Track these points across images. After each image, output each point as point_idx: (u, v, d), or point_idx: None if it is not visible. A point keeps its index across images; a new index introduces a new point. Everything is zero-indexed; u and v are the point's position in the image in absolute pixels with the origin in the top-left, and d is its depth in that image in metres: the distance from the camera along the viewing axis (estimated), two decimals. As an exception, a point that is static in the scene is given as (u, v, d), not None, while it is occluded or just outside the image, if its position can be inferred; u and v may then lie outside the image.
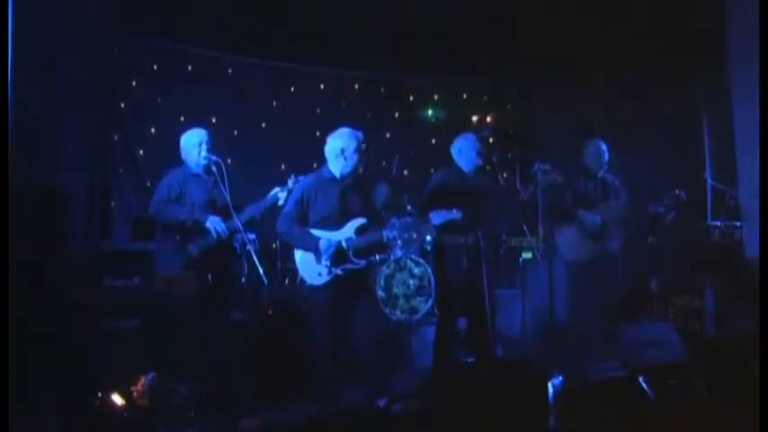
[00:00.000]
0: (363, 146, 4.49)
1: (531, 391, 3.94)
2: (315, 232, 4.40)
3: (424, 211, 4.93)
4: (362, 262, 4.40)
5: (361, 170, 4.53)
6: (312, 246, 4.37)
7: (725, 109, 6.18)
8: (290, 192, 4.56)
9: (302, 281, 4.53)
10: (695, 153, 7.05)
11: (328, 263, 4.34)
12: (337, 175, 4.47)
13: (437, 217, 4.43)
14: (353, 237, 4.39)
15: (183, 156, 4.65)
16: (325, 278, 4.37)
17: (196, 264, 4.41)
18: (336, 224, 4.41)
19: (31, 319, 3.84)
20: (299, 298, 5.38)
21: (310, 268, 4.41)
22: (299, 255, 4.48)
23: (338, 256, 4.35)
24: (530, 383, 3.97)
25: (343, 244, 4.36)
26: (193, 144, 4.61)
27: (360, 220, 4.42)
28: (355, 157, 4.44)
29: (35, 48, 4.84)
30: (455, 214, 4.42)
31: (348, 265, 4.37)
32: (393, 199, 6.80)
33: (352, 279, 4.40)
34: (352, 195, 4.49)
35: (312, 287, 4.44)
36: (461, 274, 4.99)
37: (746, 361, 4.12)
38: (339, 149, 4.45)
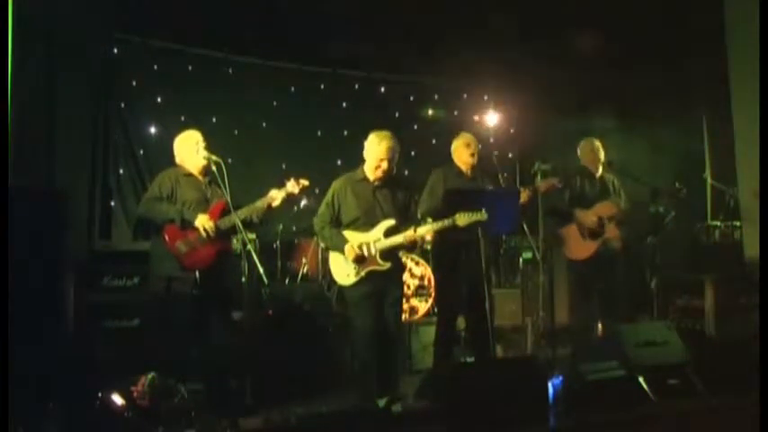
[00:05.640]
0: (398, 148, 4.52)
1: (531, 390, 3.94)
2: (347, 233, 4.45)
3: (423, 211, 4.93)
4: (387, 264, 4.41)
5: (394, 172, 4.54)
6: (339, 247, 4.42)
7: (725, 109, 6.19)
8: (288, 194, 4.55)
9: (333, 280, 4.61)
10: (695, 153, 7.06)
11: (355, 264, 4.38)
12: (370, 175, 4.50)
13: (463, 217, 4.38)
14: (382, 238, 4.41)
15: (178, 158, 4.63)
16: (352, 279, 4.41)
17: (186, 261, 4.39)
18: (367, 225, 4.44)
19: (31, 319, 3.83)
20: (291, 299, 5.41)
21: (340, 269, 4.47)
22: (332, 255, 4.54)
23: (363, 258, 4.38)
24: (530, 383, 3.97)
25: (372, 246, 4.39)
26: (190, 144, 4.59)
27: (389, 222, 4.44)
28: (384, 159, 4.43)
29: (35, 48, 4.85)
30: (481, 215, 4.36)
31: (374, 267, 4.39)
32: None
33: (381, 279, 4.42)
34: (384, 196, 4.51)
35: (342, 287, 4.52)
36: (461, 274, 4.99)
37: (746, 361, 4.12)
38: (370, 149, 4.47)
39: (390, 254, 4.44)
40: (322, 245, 4.72)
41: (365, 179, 4.52)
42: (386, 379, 4.43)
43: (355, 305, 4.44)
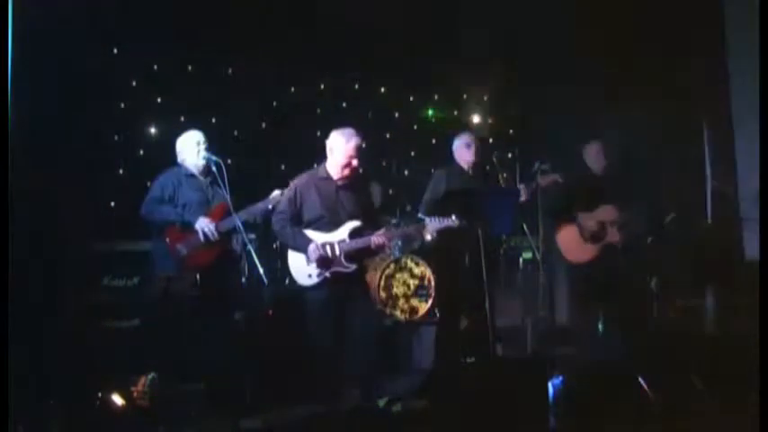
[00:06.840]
0: (363, 145, 4.38)
1: (531, 390, 3.94)
2: (309, 233, 4.31)
3: (425, 212, 4.92)
4: (352, 266, 4.29)
5: (360, 170, 4.42)
6: (303, 247, 4.26)
7: (725, 109, 6.19)
8: None
9: (293, 281, 4.44)
10: (695, 153, 7.06)
11: (318, 265, 4.25)
12: (334, 174, 4.38)
13: (434, 222, 4.39)
14: (346, 240, 4.29)
15: (180, 158, 4.64)
16: (314, 279, 4.27)
17: (187, 263, 4.39)
18: (330, 225, 4.31)
19: (32, 318, 3.84)
20: (291, 298, 5.37)
21: (301, 269, 4.31)
22: (291, 255, 4.38)
23: (327, 259, 4.25)
24: (530, 383, 3.97)
25: (336, 247, 4.27)
26: (191, 144, 4.60)
27: (354, 223, 4.32)
28: (354, 157, 4.31)
29: (35, 48, 4.84)
30: (452, 222, 4.38)
31: (338, 269, 4.27)
32: (391, 199, 6.81)
33: (344, 281, 4.29)
34: (348, 195, 4.38)
35: (302, 287, 4.35)
36: (461, 274, 4.99)
37: (746, 361, 4.11)
38: (337, 148, 4.33)
39: (355, 256, 4.32)
40: (282, 242, 4.53)
41: (328, 178, 4.36)
42: (378, 379, 4.42)
43: (316, 306, 4.30)
